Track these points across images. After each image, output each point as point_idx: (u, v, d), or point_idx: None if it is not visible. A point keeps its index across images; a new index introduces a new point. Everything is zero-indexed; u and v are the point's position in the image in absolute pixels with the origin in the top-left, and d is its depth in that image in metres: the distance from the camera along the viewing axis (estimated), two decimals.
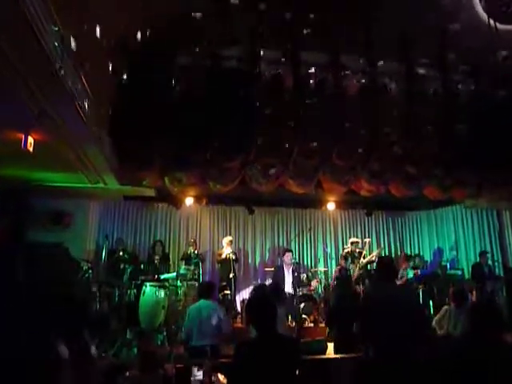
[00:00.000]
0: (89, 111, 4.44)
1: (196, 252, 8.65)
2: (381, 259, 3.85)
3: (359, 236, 10.32)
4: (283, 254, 8.36)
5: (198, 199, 9.33)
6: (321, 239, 10.31)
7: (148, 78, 5.79)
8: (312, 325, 7.77)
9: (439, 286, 8.15)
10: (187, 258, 8.47)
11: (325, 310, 8.28)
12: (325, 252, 9.91)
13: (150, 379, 3.13)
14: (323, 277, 9.39)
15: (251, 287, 9.31)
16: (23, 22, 2.68)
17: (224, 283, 8.17)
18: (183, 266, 8.00)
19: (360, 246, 9.16)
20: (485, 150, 6.47)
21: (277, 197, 9.47)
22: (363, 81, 6.41)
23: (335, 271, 8.53)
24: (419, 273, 8.83)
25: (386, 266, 3.56)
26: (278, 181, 7.31)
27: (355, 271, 8.30)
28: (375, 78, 6.46)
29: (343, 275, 8.21)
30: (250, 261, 9.92)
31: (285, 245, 10.01)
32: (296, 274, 8.20)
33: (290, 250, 8.52)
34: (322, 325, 7.84)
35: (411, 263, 9.04)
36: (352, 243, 9.02)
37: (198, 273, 8.00)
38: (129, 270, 7.68)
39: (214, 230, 9.83)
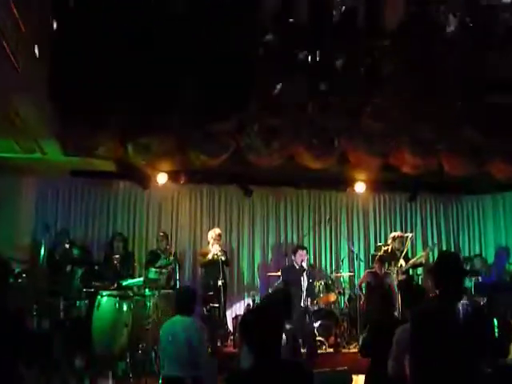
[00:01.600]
0: (20, 51, 4.34)
1: (171, 250, 8.68)
2: (443, 256, 3.61)
3: (398, 228, 10.36)
4: (294, 252, 8.41)
5: (173, 176, 9.31)
6: (345, 233, 10.36)
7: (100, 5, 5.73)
8: (331, 350, 7.88)
9: (507, 299, 8.18)
10: (158, 259, 8.48)
11: (350, 331, 8.37)
12: (351, 252, 9.94)
13: None
14: (347, 285, 9.45)
15: (248, 300, 9.42)
16: None
17: (210, 293, 8.23)
18: (153, 269, 8.02)
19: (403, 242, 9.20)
20: None
21: (284, 174, 9.40)
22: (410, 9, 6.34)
23: (365, 275, 8.56)
24: (480, 280, 8.84)
25: (450, 267, 3.38)
26: (286, 151, 7.39)
27: (394, 278, 8.35)
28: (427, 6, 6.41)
29: (377, 284, 8.29)
30: (245, 263, 9.98)
31: (295, 241, 10.07)
32: (311, 281, 8.28)
33: (304, 248, 8.57)
34: (346, 350, 8.00)
35: (468, 267, 9.07)
36: (395, 239, 9.10)
37: (174, 278, 8.04)
38: (78, 274, 7.69)
39: (195, 220, 9.84)
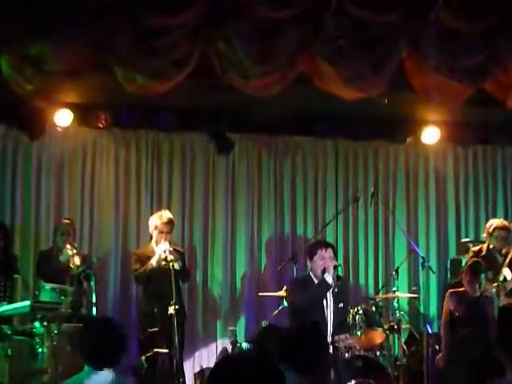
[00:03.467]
0: None
1: (82, 253, 8.72)
2: None
3: (499, 213, 10.47)
4: (311, 254, 8.32)
5: (87, 114, 9.32)
6: (402, 220, 10.42)
7: None
8: None
9: None
10: (55, 268, 8.52)
11: None
12: (412, 254, 9.93)
13: None
14: (406, 316, 9.52)
15: (223, 341, 9.48)
16: None
17: (154, 329, 8.27)
18: (48, 286, 8.04)
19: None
20: None
21: (291, 111, 9.47)
22: None
23: (447, 301, 8.56)
24: None
25: None
26: (295, 68, 7.37)
27: (493, 301, 8.41)
28: None
29: (468, 313, 8.34)
30: (219, 274, 10.02)
31: (310, 234, 10.11)
32: (342, 305, 8.21)
33: (329, 245, 8.51)
34: None
35: None
36: (493, 231, 9.15)
37: (89, 302, 8.06)
38: None
39: (127, 195, 9.85)
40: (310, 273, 8.24)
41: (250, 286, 10.00)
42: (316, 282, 8.18)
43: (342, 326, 8.15)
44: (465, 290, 8.49)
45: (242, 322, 9.88)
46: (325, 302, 8.09)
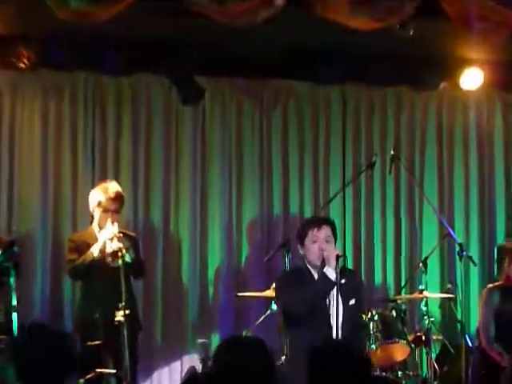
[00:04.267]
0: None
1: None
2: None
3: None
4: (302, 238, 8.24)
5: (4, 51, 9.31)
6: (433, 195, 10.49)
7: None
8: None
9: None
10: None
11: None
12: (445, 238, 9.96)
13: None
14: (439, 322, 9.57)
15: (190, 357, 9.56)
16: None
17: (95, 341, 8.26)
18: None
19: None
20: None
21: (280, 47, 9.54)
22: None
23: (483, 299, 8.66)
24: None
25: None
26: None
27: None
28: None
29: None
30: (186, 267, 10.09)
31: (307, 212, 10.18)
32: (352, 302, 8.20)
33: (325, 222, 8.49)
34: None
35: None
36: None
37: (7, 303, 8.09)
38: None
39: (59, 159, 9.85)
40: (307, 264, 8.17)
41: (226, 283, 10.06)
42: (316, 275, 8.11)
43: (354, 328, 8.10)
44: (507, 282, 8.63)
45: (215, 332, 9.93)
46: (327, 302, 8.03)
